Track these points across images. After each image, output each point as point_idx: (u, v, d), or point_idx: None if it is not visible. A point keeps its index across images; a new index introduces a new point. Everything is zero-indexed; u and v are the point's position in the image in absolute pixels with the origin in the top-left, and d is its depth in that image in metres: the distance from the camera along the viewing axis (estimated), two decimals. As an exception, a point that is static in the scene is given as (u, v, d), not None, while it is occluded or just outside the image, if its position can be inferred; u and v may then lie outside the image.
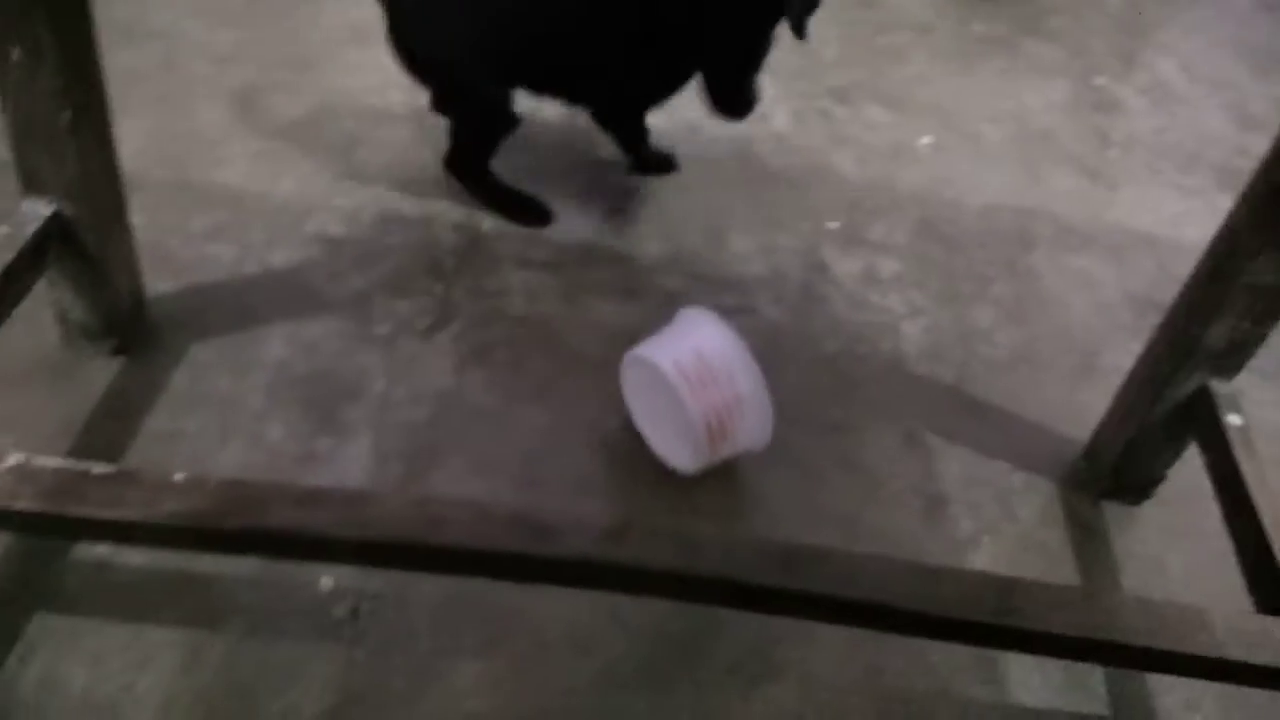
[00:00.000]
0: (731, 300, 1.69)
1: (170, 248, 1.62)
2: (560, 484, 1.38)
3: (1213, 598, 1.32)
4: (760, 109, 2.08)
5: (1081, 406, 1.55)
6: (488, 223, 1.77)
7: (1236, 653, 1.03)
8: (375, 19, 1.67)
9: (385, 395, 1.45)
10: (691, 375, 1.32)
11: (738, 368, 1.33)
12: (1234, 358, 1.32)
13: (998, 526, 1.41)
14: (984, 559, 1.36)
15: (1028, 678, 1.24)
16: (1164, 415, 1.37)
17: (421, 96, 1.81)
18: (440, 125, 1.78)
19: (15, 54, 1.17)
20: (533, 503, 1.34)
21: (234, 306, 1.55)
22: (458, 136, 1.75)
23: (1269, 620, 1.08)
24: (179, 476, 1.02)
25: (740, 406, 1.33)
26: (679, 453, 1.38)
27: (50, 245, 1.31)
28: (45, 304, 1.40)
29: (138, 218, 1.45)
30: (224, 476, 1.04)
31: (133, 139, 1.75)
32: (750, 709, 1.17)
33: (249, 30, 2.14)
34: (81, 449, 1.31)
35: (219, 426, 1.38)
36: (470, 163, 1.77)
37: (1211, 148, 2.24)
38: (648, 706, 1.16)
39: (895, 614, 1.04)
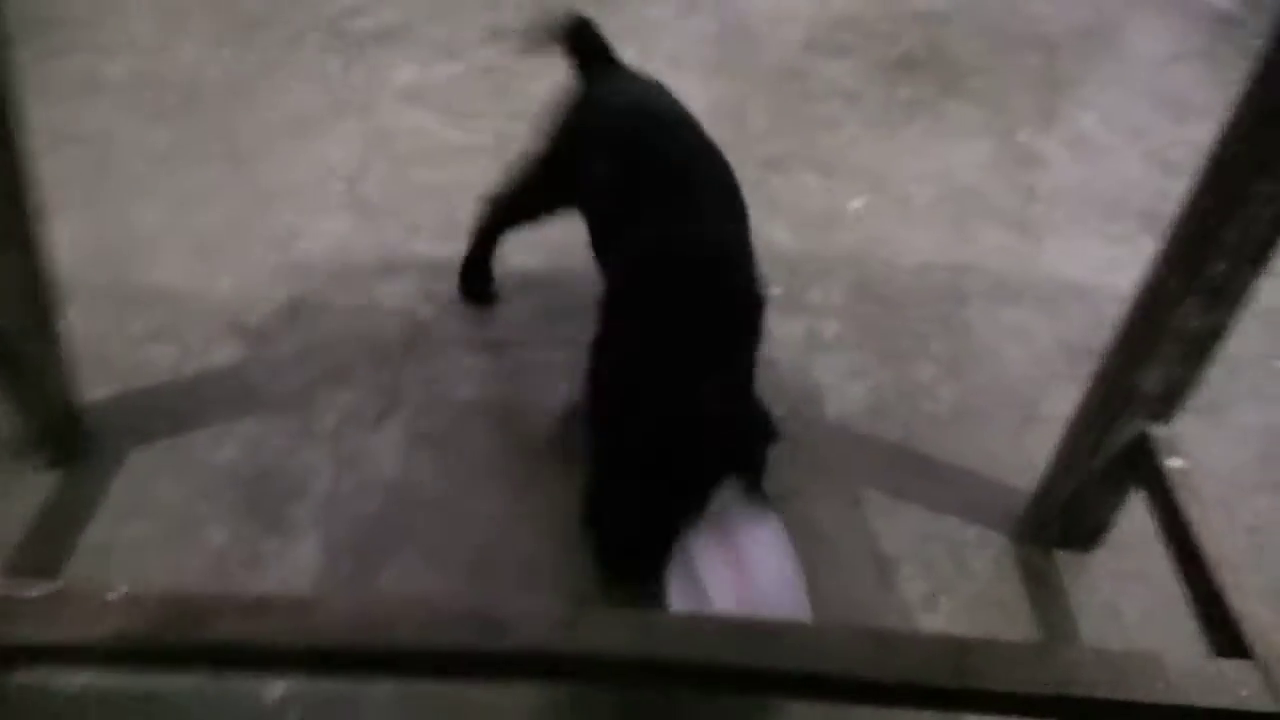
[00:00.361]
0: (677, 372, 1.70)
1: (108, 352, 1.60)
2: (515, 572, 1.36)
3: (1170, 641, 1.34)
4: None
5: (1026, 457, 1.57)
6: (429, 309, 1.77)
7: (1194, 698, 1.04)
8: (312, 111, 1.68)
9: (332, 491, 1.44)
10: (725, 579, 1.17)
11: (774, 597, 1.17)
12: (1170, 402, 1.35)
13: (952, 584, 1.42)
14: (941, 619, 1.36)
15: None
16: (1105, 463, 1.40)
17: (360, 184, 1.81)
18: (385, 213, 1.79)
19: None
20: (487, 594, 1.32)
21: (174, 409, 1.53)
22: None
23: (1224, 663, 1.09)
24: (116, 593, 0.99)
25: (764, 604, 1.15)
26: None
27: (-21, 358, 1.28)
28: (-23, 418, 1.37)
29: (74, 323, 1.43)
30: (164, 589, 1.01)
31: (67, 243, 1.74)
32: (719, 790, 1.16)
33: (184, 128, 2.14)
34: (16, 568, 1.28)
35: (161, 534, 1.35)
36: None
37: (1135, 194, 2.31)
38: (614, 796, 1.14)
39: (856, 684, 1.03)
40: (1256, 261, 1.22)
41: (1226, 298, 1.24)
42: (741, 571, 1.19)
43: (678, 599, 1.21)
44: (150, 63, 2.33)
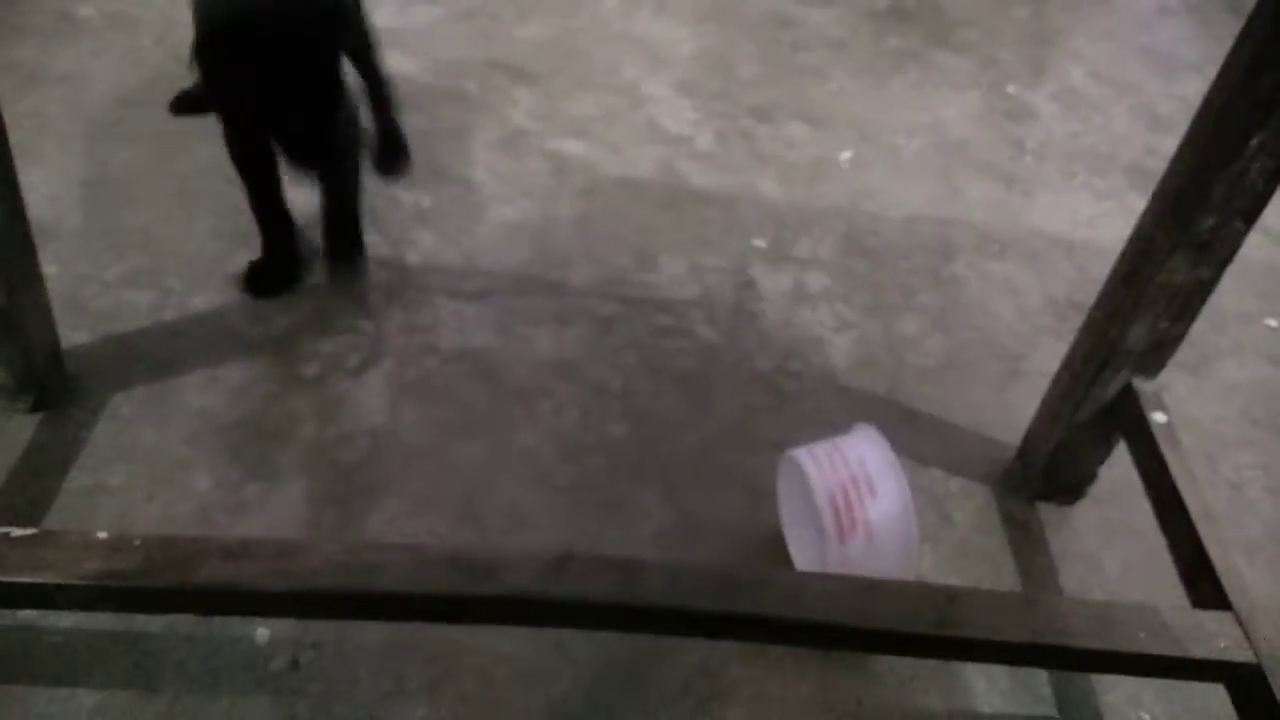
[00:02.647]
0: (665, 321, 1.69)
1: (86, 297, 1.57)
2: (500, 519, 1.36)
3: (1150, 593, 1.36)
4: (683, 131, 2.11)
5: (1011, 410, 1.58)
6: (414, 255, 1.75)
7: (1174, 648, 1.06)
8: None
9: (316, 438, 1.43)
10: (821, 457, 1.29)
11: (869, 458, 1.27)
12: (1156, 356, 1.35)
13: (937, 534, 1.43)
14: (925, 567, 1.37)
15: (974, 684, 1.25)
16: (1090, 416, 1.40)
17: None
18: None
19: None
20: (471, 540, 1.32)
21: (155, 354, 1.51)
22: None
23: (1203, 615, 1.11)
24: (102, 535, 0.98)
25: (868, 487, 1.24)
26: (810, 545, 1.32)
27: (-44, 302, 1.26)
28: (-46, 362, 1.35)
29: (51, 267, 1.41)
30: (149, 532, 1.01)
31: (42, 186, 1.71)
32: (702, 734, 1.17)
33: (156, 72, 2.09)
34: (1, 511, 1.26)
35: (144, 479, 1.34)
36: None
37: (1123, 150, 2.30)
38: (599, 739, 1.15)
39: (840, 631, 1.04)
40: (1247, 216, 1.21)
41: (1214, 252, 1.24)
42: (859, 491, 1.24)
43: (789, 518, 1.37)
44: (123, 4, 2.27)
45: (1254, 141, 1.16)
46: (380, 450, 1.43)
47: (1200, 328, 1.85)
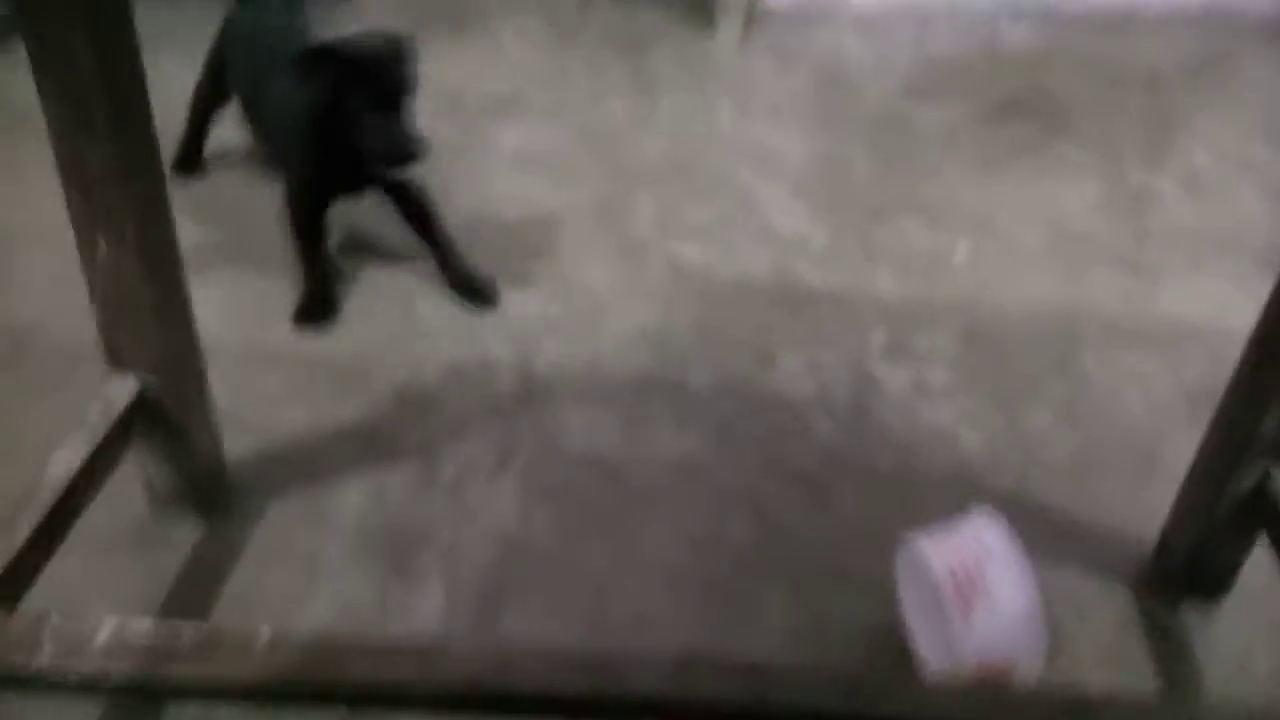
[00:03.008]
0: (784, 421, 1.72)
1: (245, 412, 1.70)
2: (627, 620, 1.40)
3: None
4: (798, 232, 2.16)
5: (1147, 505, 1.54)
6: (541, 363, 1.84)
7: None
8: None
9: (454, 541, 1.50)
10: (937, 538, 1.33)
11: (985, 533, 1.31)
12: (1293, 444, 1.32)
13: (1074, 638, 1.39)
14: (1062, 673, 1.33)
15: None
16: (1229, 509, 1.36)
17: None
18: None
19: (102, 245, 1.28)
20: (602, 641, 1.36)
21: (307, 464, 1.62)
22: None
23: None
24: (263, 635, 1.06)
25: (985, 555, 1.26)
26: (934, 630, 1.31)
27: (136, 419, 1.39)
28: (132, 473, 1.48)
29: (215, 384, 1.54)
30: (305, 632, 1.08)
31: (208, 307, 1.87)
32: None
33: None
34: (170, 612, 1.37)
35: (300, 581, 1.43)
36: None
37: (1251, 232, 2.25)
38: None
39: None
40: (1380, 301, 1.19)
41: (1350, 338, 1.21)
42: (977, 582, 1.24)
43: (911, 609, 1.36)
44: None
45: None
46: (512, 552, 1.49)
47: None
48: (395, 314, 1.96)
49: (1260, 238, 2.22)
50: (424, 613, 1.39)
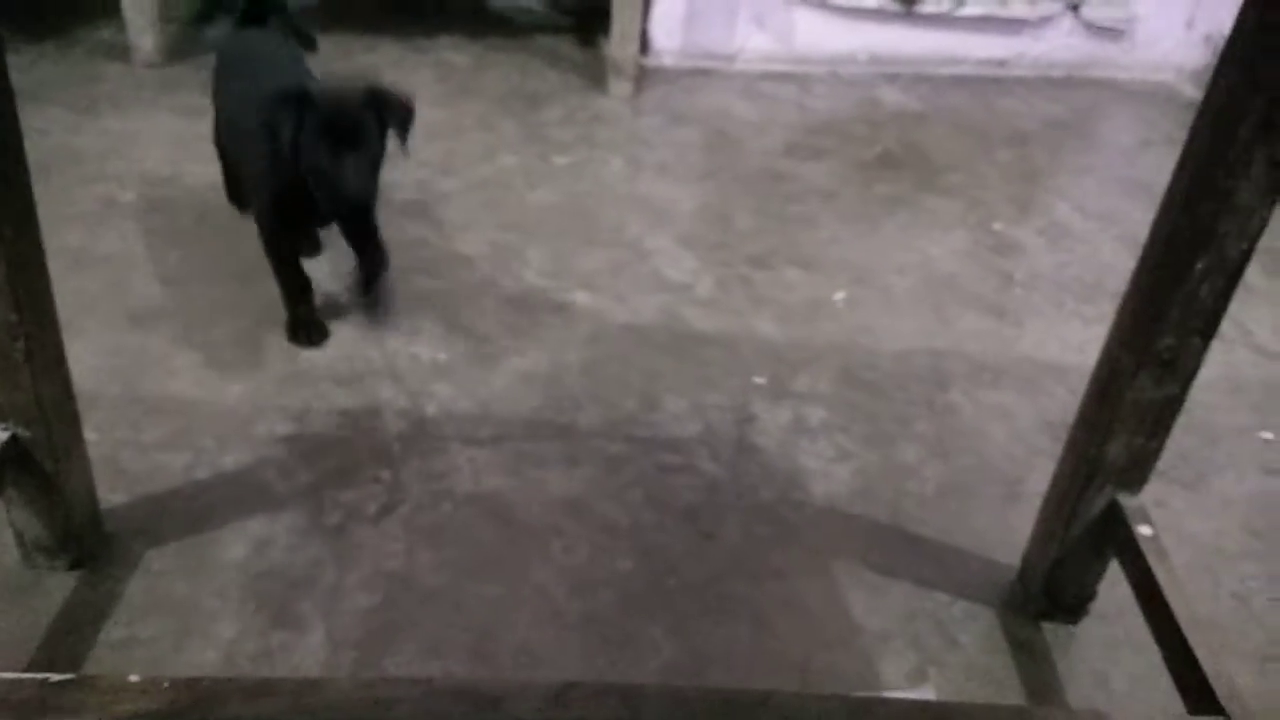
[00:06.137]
0: (670, 459, 1.77)
1: (124, 460, 1.68)
2: (512, 655, 1.41)
3: (1156, 706, 1.37)
4: (685, 279, 2.23)
5: (1011, 532, 1.62)
6: (431, 407, 1.85)
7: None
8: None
9: (337, 584, 1.49)
10: None
11: None
12: (1137, 471, 1.41)
13: (942, 657, 1.45)
14: (930, 691, 1.39)
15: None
16: (1081, 533, 1.45)
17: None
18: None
19: (-30, 294, 1.26)
20: (485, 677, 1.37)
21: (188, 512, 1.60)
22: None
23: (1195, 721, 1.13)
24: (133, 679, 1.05)
25: None
26: None
27: (7, 468, 1.36)
28: (2, 524, 1.44)
29: (92, 434, 1.52)
30: (176, 675, 1.07)
31: (85, 358, 1.84)
32: None
33: (196, 249, 2.26)
34: (40, 663, 1.33)
35: (175, 631, 1.40)
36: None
37: (1109, 278, 2.40)
38: None
39: (838, 749, 1.07)
40: (1203, 333, 1.29)
41: (1178, 370, 1.32)
42: None
43: None
44: (165, 189, 2.47)
45: (1199, 265, 1.25)
46: (397, 593, 1.49)
47: (1194, 443, 1.91)
48: (283, 360, 1.95)
49: (1118, 284, 2.34)
50: (305, 657, 1.38)
